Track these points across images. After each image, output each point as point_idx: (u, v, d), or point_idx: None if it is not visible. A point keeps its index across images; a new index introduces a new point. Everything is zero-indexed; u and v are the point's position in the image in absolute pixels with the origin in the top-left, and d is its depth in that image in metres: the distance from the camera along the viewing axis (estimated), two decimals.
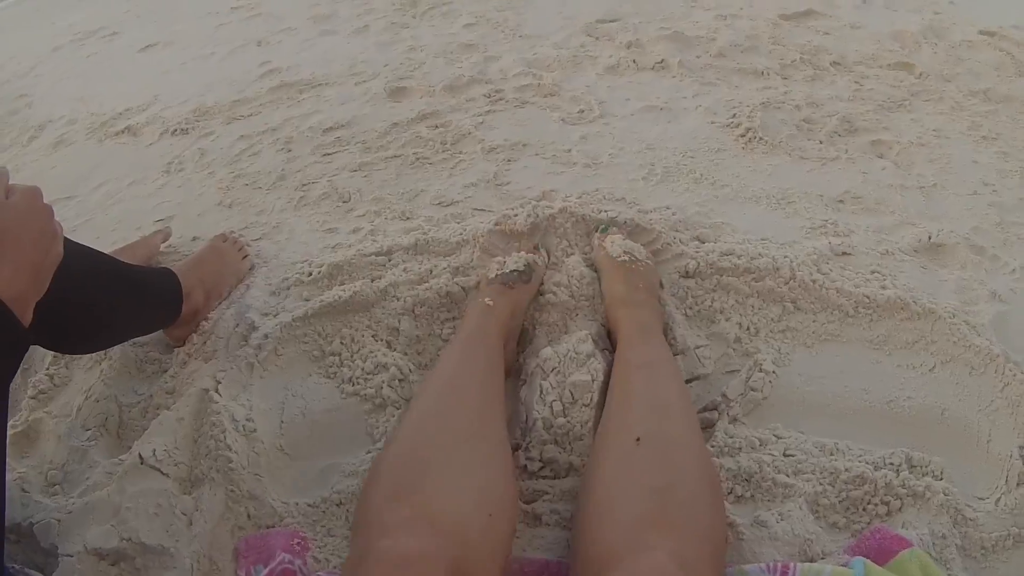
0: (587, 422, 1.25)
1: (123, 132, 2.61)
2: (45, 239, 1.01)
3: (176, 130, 2.53)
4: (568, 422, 1.25)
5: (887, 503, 1.17)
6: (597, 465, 1.10)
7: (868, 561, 0.98)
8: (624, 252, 1.50)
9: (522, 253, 1.50)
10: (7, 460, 1.34)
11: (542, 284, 1.52)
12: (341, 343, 1.48)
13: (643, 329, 1.37)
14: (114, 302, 1.30)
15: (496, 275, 1.47)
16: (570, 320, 1.46)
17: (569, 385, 1.27)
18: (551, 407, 1.26)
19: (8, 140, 2.84)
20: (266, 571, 1.10)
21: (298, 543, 1.15)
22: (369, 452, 1.30)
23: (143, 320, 1.43)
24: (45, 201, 1.03)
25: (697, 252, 1.57)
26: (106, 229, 2.05)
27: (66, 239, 1.10)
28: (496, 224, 1.59)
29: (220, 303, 1.60)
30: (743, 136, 2.10)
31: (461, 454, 1.03)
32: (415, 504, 0.91)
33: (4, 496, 1.02)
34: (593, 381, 1.27)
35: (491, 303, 1.40)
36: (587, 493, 1.06)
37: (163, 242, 1.86)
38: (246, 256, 1.73)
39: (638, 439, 1.06)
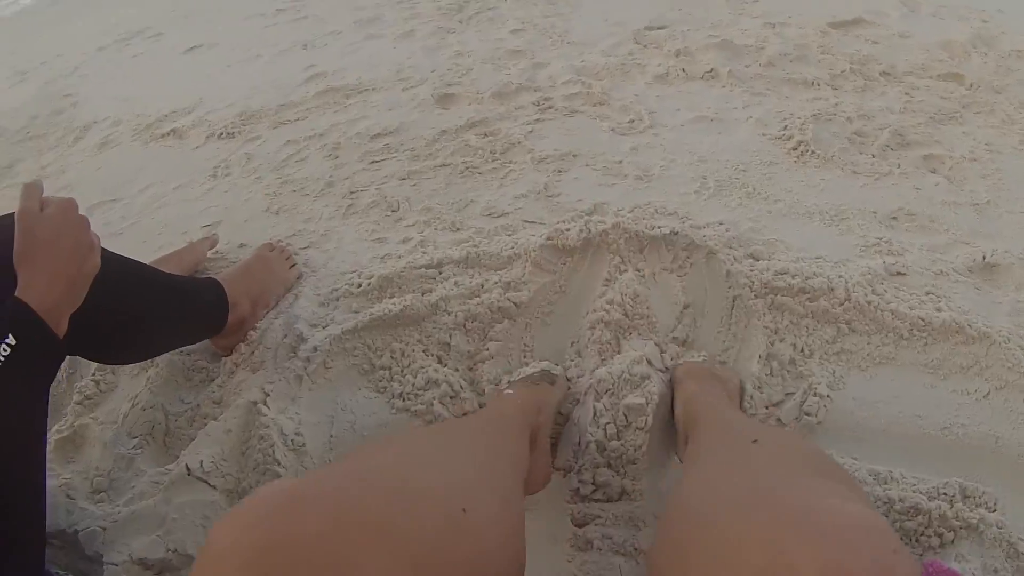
0: (641, 446, 1.24)
1: (169, 135, 2.64)
2: (80, 251, 1.02)
3: (222, 134, 2.54)
4: (622, 445, 1.24)
5: (940, 535, 1.15)
6: (703, 461, 0.93)
7: None
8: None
9: (538, 362, 1.44)
10: (51, 465, 1.36)
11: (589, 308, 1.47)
12: (391, 357, 1.47)
13: (717, 406, 1.19)
14: (156, 313, 1.30)
15: (514, 381, 1.39)
16: (623, 339, 1.44)
17: (623, 407, 1.26)
18: (605, 430, 1.25)
19: (53, 140, 2.87)
20: None
21: None
22: None
23: (187, 331, 1.44)
24: (82, 212, 1.05)
25: (751, 270, 1.54)
26: (152, 233, 2.07)
27: (106, 250, 1.10)
28: (548, 239, 1.57)
29: (267, 312, 1.60)
30: (795, 149, 2.07)
31: (442, 457, 0.81)
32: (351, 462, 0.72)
33: (44, 501, 1.03)
34: (648, 404, 1.26)
35: (512, 392, 1.29)
36: (693, 480, 0.85)
37: (210, 249, 1.87)
38: (293, 265, 1.73)
39: (755, 440, 0.90)
